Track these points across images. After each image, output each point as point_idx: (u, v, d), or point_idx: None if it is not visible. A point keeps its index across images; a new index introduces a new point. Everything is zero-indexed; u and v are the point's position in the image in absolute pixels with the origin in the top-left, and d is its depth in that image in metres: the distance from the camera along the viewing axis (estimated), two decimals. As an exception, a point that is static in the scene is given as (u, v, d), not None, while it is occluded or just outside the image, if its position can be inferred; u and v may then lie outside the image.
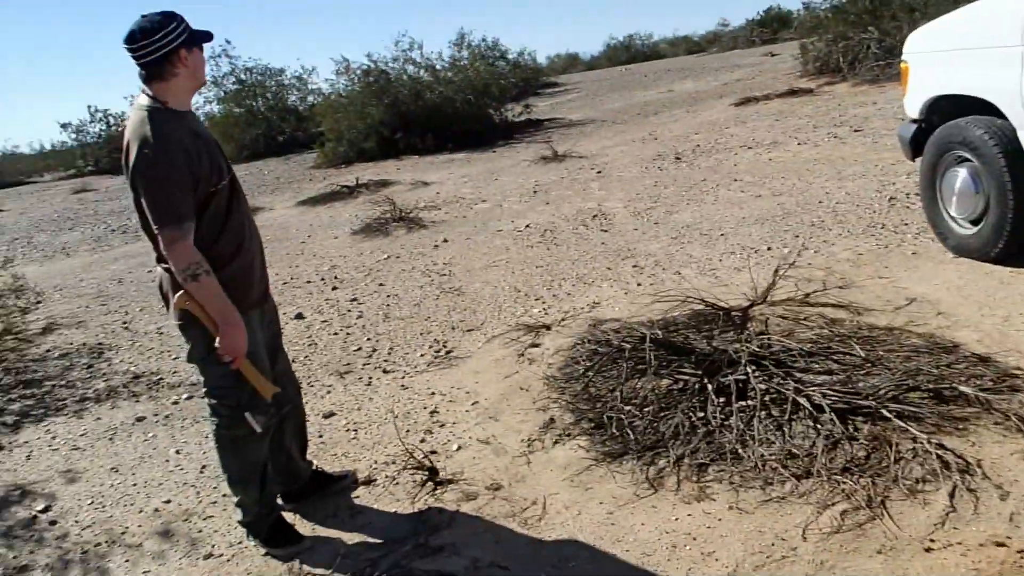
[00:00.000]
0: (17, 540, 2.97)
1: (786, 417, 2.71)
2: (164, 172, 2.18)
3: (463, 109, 13.89)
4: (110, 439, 3.80)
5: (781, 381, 2.85)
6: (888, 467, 2.42)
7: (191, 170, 2.22)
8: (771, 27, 27.92)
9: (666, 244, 5.49)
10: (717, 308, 3.63)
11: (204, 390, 2.52)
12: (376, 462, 3.13)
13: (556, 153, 10.18)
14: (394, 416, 3.48)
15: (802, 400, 2.72)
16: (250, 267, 2.48)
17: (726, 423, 2.77)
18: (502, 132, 14.15)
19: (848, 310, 3.65)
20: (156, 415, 3.99)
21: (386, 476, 2.99)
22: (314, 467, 2.95)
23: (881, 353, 3.06)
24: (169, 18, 2.28)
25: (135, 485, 3.29)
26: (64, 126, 21.65)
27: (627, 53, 33.35)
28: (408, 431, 3.31)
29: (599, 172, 8.75)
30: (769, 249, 4.93)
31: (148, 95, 2.30)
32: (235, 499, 2.63)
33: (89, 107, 21.63)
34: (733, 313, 3.59)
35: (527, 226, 6.78)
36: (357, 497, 2.88)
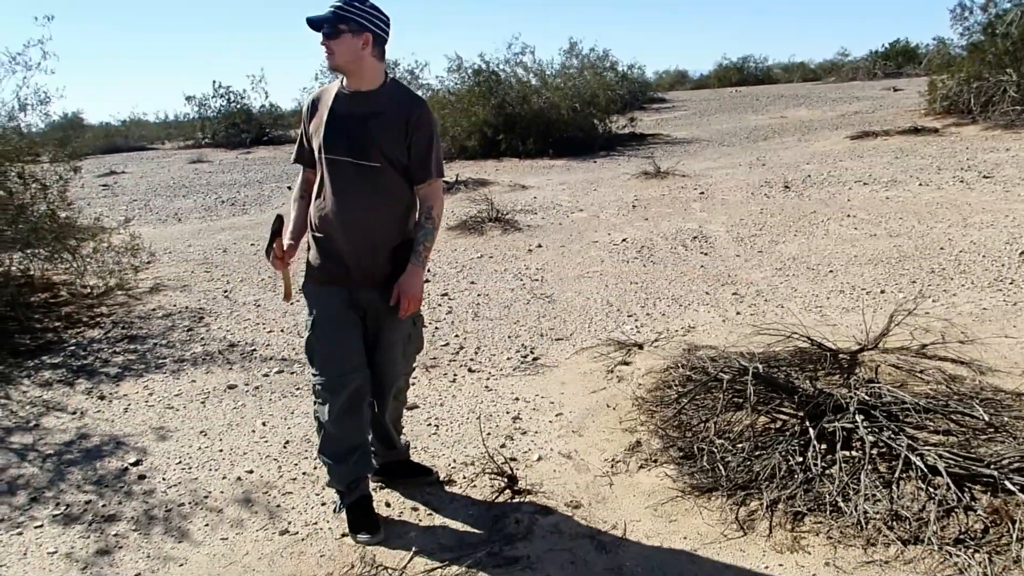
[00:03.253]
0: (107, 490, 3.09)
1: (895, 475, 2.52)
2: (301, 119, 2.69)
3: (568, 117, 13.84)
4: (202, 403, 3.92)
5: (892, 435, 2.66)
6: (1008, 545, 2.22)
7: (305, 127, 2.65)
8: (896, 60, 26.69)
9: (769, 274, 5.27)
10: (824, 348, 3.44)
11: None
12: (455, 461, 3.10)
13: (658, 169, 9.99)
14: (477, 417, 3.45)
15: (915, 459, 2.52)
16: (323, 244, 2.61)
17: (827, 472, 2.60)
18: (604, 143, 14.03)
19: (970, 368, 3.39)
20: (247, 385, 4.10)
21: (464, 477, 2.96)
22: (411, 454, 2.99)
23: (1006, 419, 2.82)
24: None
25: (221, 451, 3.37)
26: (188, 98, 22.63)
27: (738, 75, 32.41)
28: (489, 434, 3.27)
29: (702, 193, 8.52)
30: (883, 292, 4.66)
31: None
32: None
33: (214, 82, 22.57)
34: (841, 356, 3.39)
35: (624, 240, 6.66)
36: (435, 495, 2.86)
